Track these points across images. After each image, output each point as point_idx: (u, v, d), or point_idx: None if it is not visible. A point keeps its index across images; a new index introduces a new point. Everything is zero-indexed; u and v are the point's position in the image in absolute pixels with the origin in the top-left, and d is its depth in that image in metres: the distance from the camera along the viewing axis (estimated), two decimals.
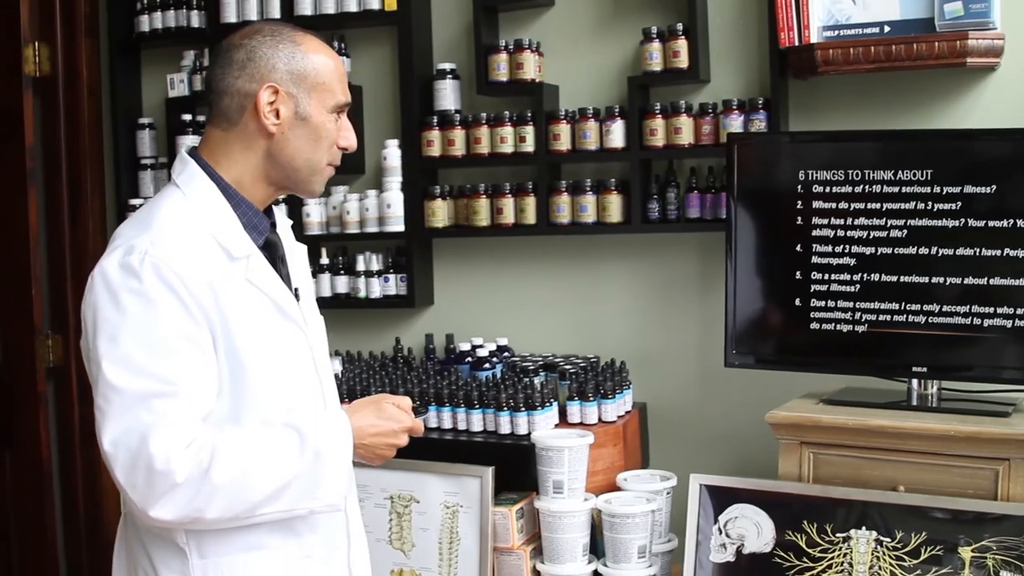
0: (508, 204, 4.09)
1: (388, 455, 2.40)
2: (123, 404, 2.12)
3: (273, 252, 2.41)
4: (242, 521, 2.20)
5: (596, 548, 3.62)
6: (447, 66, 4.23)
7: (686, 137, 3.88)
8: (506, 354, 4.14)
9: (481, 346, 4.09)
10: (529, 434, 3.66)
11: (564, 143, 4.04)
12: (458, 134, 4.16)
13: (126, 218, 4.45)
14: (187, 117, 4.53)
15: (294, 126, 2.32)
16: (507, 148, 4.10)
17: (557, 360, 4.05)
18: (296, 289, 2.45)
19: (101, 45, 4.78)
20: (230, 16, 4.41)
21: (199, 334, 2.18)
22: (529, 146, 4.07)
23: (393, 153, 4.25)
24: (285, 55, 2.30)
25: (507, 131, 4.09)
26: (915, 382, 3.43)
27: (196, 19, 4.51)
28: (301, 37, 2.35)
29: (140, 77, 4.80)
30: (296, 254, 2.57)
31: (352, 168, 4.37)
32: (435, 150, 4.18)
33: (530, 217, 4.08)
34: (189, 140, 4.48)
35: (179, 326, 2.15)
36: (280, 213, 2.61)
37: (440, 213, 4.19)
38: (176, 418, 2.12)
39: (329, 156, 2.38)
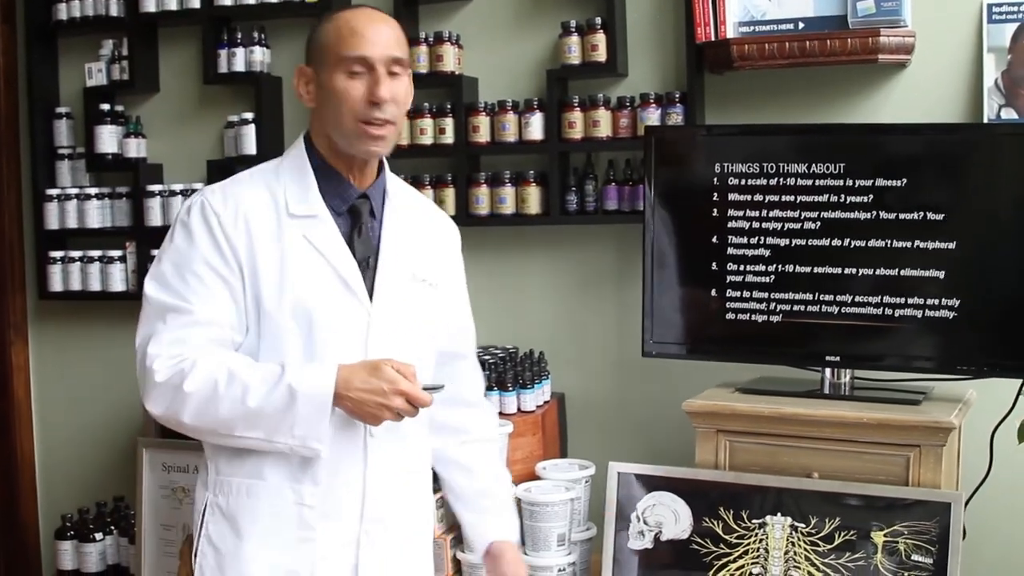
0: (427, 195, 4.09)
1: (381, 416, 2.36)
2: (149, 311, 2.43)
3: (355, 219, 2.52)
4: (223, 437, 2.40)
5: None
6: None
7: (604, 130, 3.92)
8: None
9: None
10: None
11: (483, 135, 4.06)
12: None
13: (44, 208, 4.45)
14: (105, 107, 4.49)
15: (320, 96, 2.47)
16: (426, 140, 4.12)
17: (477, 351, 4.06)
18: (368, 259, 2.51)
19: (18, 33, 4.73)
20: (149, 5, 4.39)
21: (227, 271, 2.41)
22: (448, 138, 4.09)
23: None
24: (318, 34, 2.49)
25: (427, 123, 4.10)
26: (828, 371, 3.49)
27: (115, 7, 4.46)
28: (339, 11, 2.51)
29: (57, 66, 4.74)
30: (420, 231, 2.66)
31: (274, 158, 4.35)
32: None
33: (449, 208, 4.08)
34: (108, 130, 4.47)
35: (208, 259, 2.41)
36: (406, 190, 2.73)
37: None
38: (179, 330, 2.37)
39: (358, 115, 2.43)
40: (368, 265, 2.52)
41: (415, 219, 2.66)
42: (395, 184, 2.66)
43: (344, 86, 2.42)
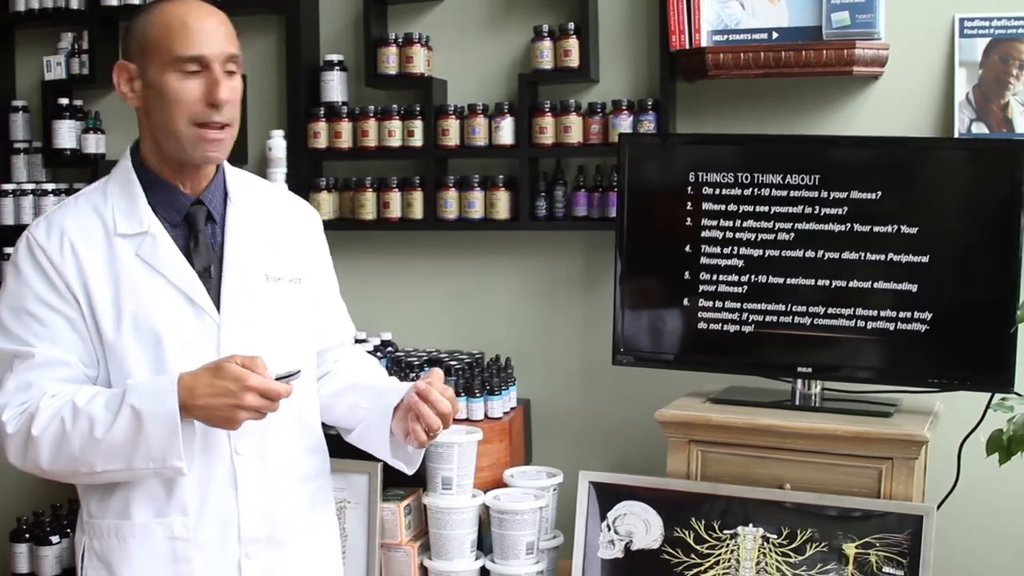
0: (395, 198, 4.07)
1: (237, 418, 2.16)
2: None
3: (192, 228, 2.35)
4: (89, 476, 2.26)
5: (482, 544, 3.63)
6: (335, 57, 4.18)
7: (575, 136, 3.90)
8: (390, 349, 4.11)
9: (365, 340, 4.06)
10: None
11: (453, 138, 4.03)
12: (345, 126, 4.12)
13: None
14: (64, 101, 4.41)
15: (149, 96, 2.27)
16: (395, 142, 4.08)
17: (442, 355, 4.04)
18: (209, 268, 2.35)
19: None
20: None
21: (64, 305, 2.28)
22: (417, 140, 4.05)
23: (278, 144, 4.18)
24: (138, 26, 2.29)
25: (395, 124, 4.06)
26: (799, 382, 3.50)
27: (75, 0, 4.40)
28: (161, 2, 2.30)
29: (14, 58, 4.66)
30: (271, 227, 2.46)
31: (235, 157, 4.25)
32: (321, 142, 4.14)
33: (417, 212, 4.06)
34: (66, 124, 4.39)
35: (42, 296, 2.27)
36: (251, 185, 2.52)
37: (326, 206, 4.14)
38: (23, 375, 2.26)
39: (194, 117, 2.25)
40: (211, 274, 2.34)
41: (264, 216, 2.46)
42: (238, 181, 2.47)
43: (177, 87, 2.23)
